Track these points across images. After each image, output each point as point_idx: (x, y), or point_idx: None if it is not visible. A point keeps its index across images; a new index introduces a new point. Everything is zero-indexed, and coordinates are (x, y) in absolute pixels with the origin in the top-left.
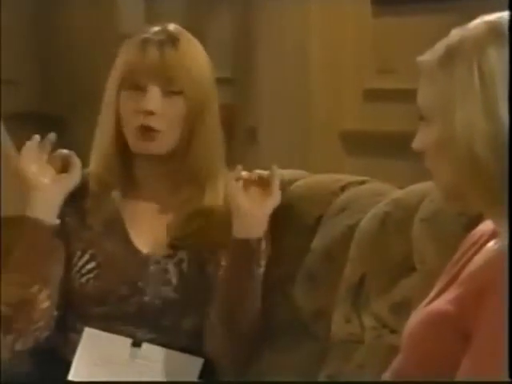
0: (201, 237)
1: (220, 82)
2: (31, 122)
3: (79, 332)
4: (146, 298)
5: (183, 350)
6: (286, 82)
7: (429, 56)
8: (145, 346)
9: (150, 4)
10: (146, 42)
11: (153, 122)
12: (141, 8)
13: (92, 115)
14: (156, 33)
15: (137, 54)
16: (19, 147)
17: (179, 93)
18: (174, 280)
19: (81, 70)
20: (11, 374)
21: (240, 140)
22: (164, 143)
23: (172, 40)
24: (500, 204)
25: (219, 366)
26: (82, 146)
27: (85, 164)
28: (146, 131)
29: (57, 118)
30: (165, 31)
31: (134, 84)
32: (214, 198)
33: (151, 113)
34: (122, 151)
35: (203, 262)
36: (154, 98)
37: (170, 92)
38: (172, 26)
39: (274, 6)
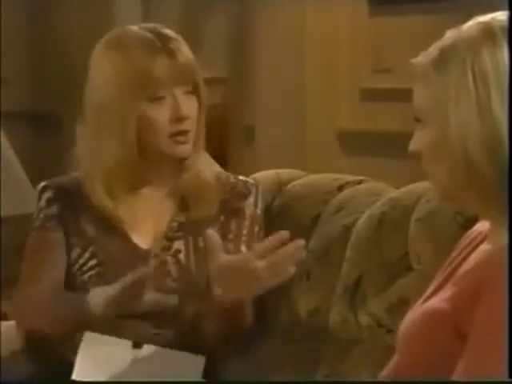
0: (194, 220)
1: (216, 81)
2: (25, 120)
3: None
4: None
5: (186, 337)
6: (283, 81)
7: (423, 58)
8: (146, 347)
9: (147, 4)
10: (151, 51)
11: (186, 126)
12: (137, 7)
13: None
14: (150, 38)
15: (149, 65)
16: (14, 146)
17: (193, 92)
18: (173, 271)
19: (76, 69)
20: (11, 374)
21: (237, 139)
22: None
23: (171, 42)
24: (494, 204)
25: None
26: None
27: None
28: (181, 135)
29: (51, 116)
30: (158, 34)
31: (154, 95)
32: (197, 177)
33: (187, 117)
34: (135, 158)
35: (200, 250)
36: (184, 103)
37: (188, 93)
38: (157, 27)
39: (270, 6)
